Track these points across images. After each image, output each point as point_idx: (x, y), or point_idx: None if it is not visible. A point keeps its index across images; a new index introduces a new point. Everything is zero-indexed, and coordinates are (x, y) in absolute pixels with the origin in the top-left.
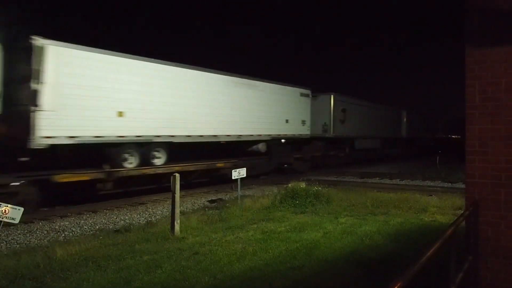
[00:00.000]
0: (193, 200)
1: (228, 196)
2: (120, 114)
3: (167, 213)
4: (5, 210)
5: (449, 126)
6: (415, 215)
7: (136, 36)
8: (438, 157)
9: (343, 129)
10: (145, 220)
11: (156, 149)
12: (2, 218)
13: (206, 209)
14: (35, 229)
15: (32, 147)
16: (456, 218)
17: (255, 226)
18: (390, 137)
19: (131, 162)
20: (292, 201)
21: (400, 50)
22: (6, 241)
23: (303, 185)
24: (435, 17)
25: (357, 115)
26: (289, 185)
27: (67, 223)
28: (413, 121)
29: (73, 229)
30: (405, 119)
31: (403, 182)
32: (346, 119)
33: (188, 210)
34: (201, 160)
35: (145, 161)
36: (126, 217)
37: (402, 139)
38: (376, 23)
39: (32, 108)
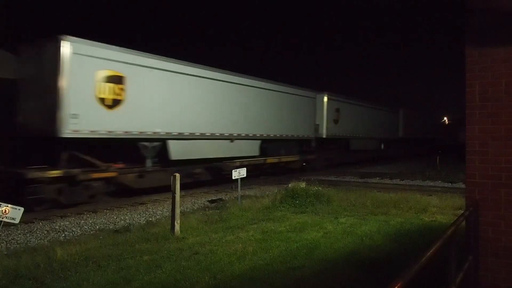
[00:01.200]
0: (193, 200)
1: (228, 196)
2: None
3: (167, 213)
4: (5, 210)
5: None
6: (415, 215)
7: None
8: (438, 157)
9: (109, 122)
10: (145, 220)
11: None
12: (2, 218)
13: (206, 209)
14: (35, 229)
15: None
16: (456, 218)
17: (255, 226)
18: (269, 137)
19: None
20: (292, 201)
21: (398, 50)
22: (6, 241)
23: (303, 185)
24: (435, 17)
25: (166, 93)
26: (289, 185)
27: (67, 223)
28: (345, 113)
29: (73, 229)
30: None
31: (403, 182)
32: (128, 100)
33: (188, 210)
34: None
35: None
36: (126, 217)
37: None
38: (374, 21)
39: None
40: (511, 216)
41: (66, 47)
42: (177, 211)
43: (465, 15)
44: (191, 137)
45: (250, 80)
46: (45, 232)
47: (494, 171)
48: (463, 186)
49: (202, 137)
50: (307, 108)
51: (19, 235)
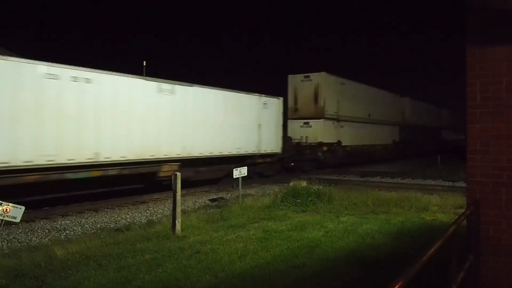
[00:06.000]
0: (194, 199)
1: (229, 195)
2: None
3: (168, 212)
4: (6, 209)
5: None
6: (416, 214)
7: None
8: (439, 156)
9: None
10: (146, 219)
11: None
12: (3, 217)
13: (207, 208)
14: (36, 228)
15: None
16: (457, 217)
17: (256, 225)
18: None
19: None
20: (293, 200)
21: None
22: (7, 240)
23: (304, 184)
24: (436, 15)
25: None
26: (291, 184)
27: (68, 221)
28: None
29: (74, 228)
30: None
31: (404, 181)
32: None
33: (189, 209)
34: None
35: None
36: (128, 216)
37: None
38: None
39: None
40: None
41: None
42: (178, 210)
43: (465, 14)
44: None
45: None
46: (46, 231)
47: (495, 170)
48: (464, 185)
49: None
50: None
51: (20, 234)
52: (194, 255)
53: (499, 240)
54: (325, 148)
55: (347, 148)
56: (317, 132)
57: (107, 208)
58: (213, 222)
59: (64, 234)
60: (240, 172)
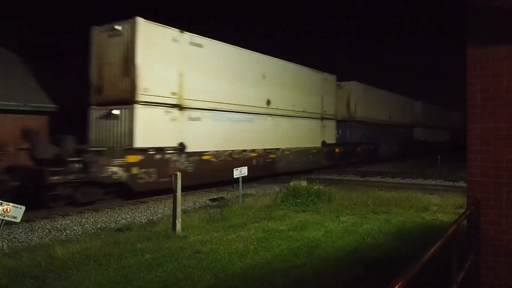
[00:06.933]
0: (194, 198)
1: (229, 194)
2: None
3: (169, 211)
4: (6, 209)
5: None
6: (417, 213)
7: None
8: (439, 156)
9: None
10: (147, 218)
11: None
12: (4, 216)
13: (208, 207)
14: (37, 227)
15: None
16: (457, 217)
17: (257, 224)
18: None
19: None
20: (293, 199)
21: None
22: (7, 240)
23: (304, 183)
24: (437, 14)
25: None
26: (291, 184)
27: (68, 221)
28: None
29: (75, 228)
30: None
31: (404, 181)
32: None
33: (189, 208)
34: None
35: None
36: (128, 216)
37: None
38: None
39: None
40: None
41: None
42: (179, 209)
43: (466, 14)
44: None
45: None
46: (47, 230)
47: (496, 170)
48: (464, 184)
49: None
50: None
51: (21, 234)
52: (195, 255)
53: (499, 239)
54: (132, 159)
55: (203, 157)
56: (125, 128)
57: (107, 208)
58: (214, 222)
59: (65, 234)
60: (240, 172)
